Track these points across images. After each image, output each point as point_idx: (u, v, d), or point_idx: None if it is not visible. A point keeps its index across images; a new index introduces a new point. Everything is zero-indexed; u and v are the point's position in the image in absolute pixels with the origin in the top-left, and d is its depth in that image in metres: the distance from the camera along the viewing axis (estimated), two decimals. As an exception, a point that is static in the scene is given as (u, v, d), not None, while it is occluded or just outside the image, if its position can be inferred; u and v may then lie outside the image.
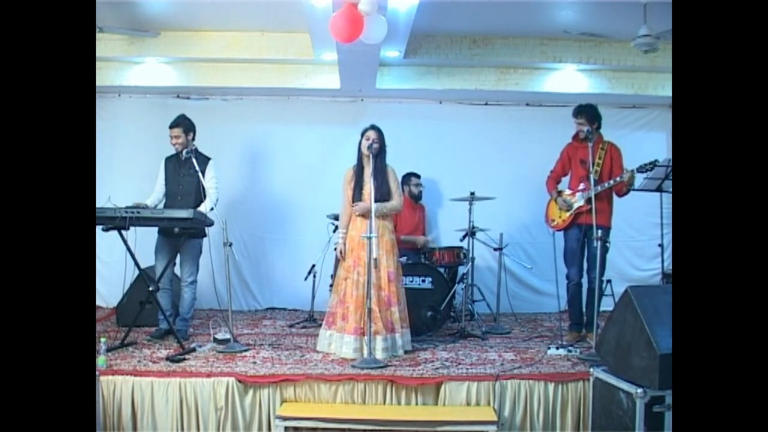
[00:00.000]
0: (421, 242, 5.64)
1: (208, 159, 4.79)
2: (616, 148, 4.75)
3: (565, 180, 4.92)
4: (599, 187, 4.52)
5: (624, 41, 4.94)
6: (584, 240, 4.67)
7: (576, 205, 4.67)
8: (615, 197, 4.69)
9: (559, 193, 4.82)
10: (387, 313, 4.30)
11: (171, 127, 4.76)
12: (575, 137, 4.80)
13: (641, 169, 4.49)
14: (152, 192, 4.84)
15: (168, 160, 4.87)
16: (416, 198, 5.87)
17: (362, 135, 4.41)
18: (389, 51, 5.20)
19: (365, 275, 4.22)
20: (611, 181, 4.54)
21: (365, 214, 4.31)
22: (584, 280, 4.72)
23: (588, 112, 4.64)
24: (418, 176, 5.88)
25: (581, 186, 4.66)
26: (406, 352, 4.37)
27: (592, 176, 4.40)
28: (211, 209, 4.61)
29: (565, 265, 4.77)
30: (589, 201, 4.40)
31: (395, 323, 4.32)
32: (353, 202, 4.40)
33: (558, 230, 4.80)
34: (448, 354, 4.41)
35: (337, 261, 4.66)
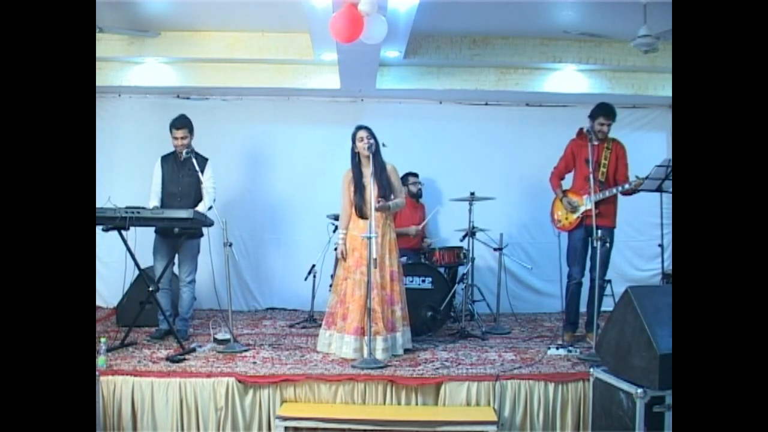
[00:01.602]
0: (413, 232, 5.61)
1: (206, 159, 4.78)
2: (621, 145, 4.74)
3: (568, 177, 4.91)
4: (607, 192, 4.52)
5: (624, 41, 4.94)
6: (587, 239, 4.67)
7: (583, 208, 4.65)
8: (620, 196, 4.69)
9: (565, 192, 4.80)
10: (389, 312, 4.30)
11: (178, 127, 4.71)
12: (579, 134, 4.78)
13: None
14: (150, 194, 4.81)
15: (164, 159, 4.85)
16: (416, 197, 5.87)
17: (353, 139, 4.39)
18: (389, 51, 5.20)
19: (368, 275, 4.22)
20: (619, 188, 4.53)
21: (366, 215, 4.31)
22: (585, 279, 4.72)
23: (614, 115, 4.64)
24: (416, 175, 5.88)
25: (589, 189, 4.63)
26: (406, 350, 4.37)
27: (592, 178, 4.37)
28: (209, 209, 4.62)
29: (567, 264, 4.77)
30: (595, 204, 4.41)
31: (396, 322, 4.33)
32: (356, 204, 4.39)
33: (563, 231, 4.79)
34: (448, 354, 4.41)
35: (338, 261, 4.66)
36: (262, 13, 4.96)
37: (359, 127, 4.40)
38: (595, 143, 4.52)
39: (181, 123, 4.73)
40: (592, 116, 4.66)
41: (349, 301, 4.32)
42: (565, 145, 4.89)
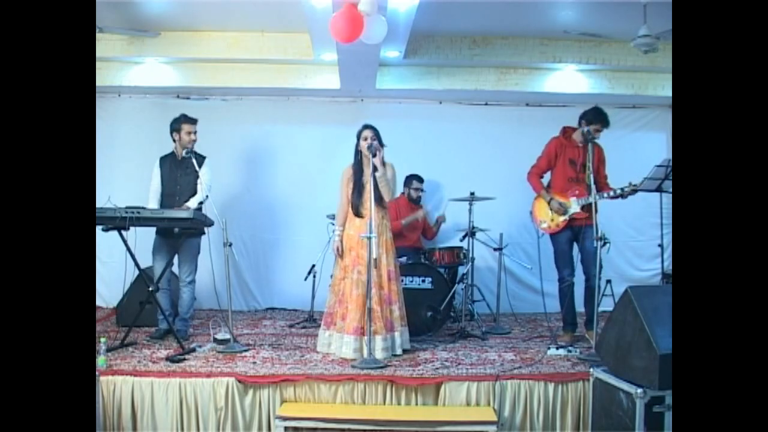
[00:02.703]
0: (421, 215, 5.65)
1: (204, 157, 4.79)
2: (601, 149, 4.78)
3: (546, 176, 4.88)
4: (597, 196, 4.51)
5: (624, 41, 4.94)
6: (573, 241, 4.66)
7: (572, 211, 4.63)
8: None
9: (548, 192, 4.76)
10: (387, 312, 4.30)
11: (192, 122, 4.75)
12: (564, 133, 4.78)
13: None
14: (150, 193, 4.80)
15: (162, 160, 4.87)
16: (414, 202, 5.86)
17: (358, 136, 4.40)
18: (389, 51, 5.20)
19: (365, 274, 4.22)
20: (610, 192, 4.53)
21: (363, 214, 4.30)
22: (576, 279, 4.71)
23: (607, 122, 4.64)
24: (420, 180, 5.85)
25: (576, 191, 4.63)
26: (404, 351, 4.37)
27: (592, 178, 4.36)
28: (200, 203, 4.62)
29: (557, 267, 4.74)
30: (584, 208, 4.40)
31: (395, 322, 4.33)
32: (353, 202, 4.40)
33: (548, 233, 4.75)
34: (448, 354, 4.41)
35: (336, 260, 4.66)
36: (261, 13, 4.96)
37: (366, 126, 4.41)
38: (580, 145, 4.50)
39: (193, 119, 4.78)
40: (589, 121, 4.64)
41: (348, 300, 4.31)
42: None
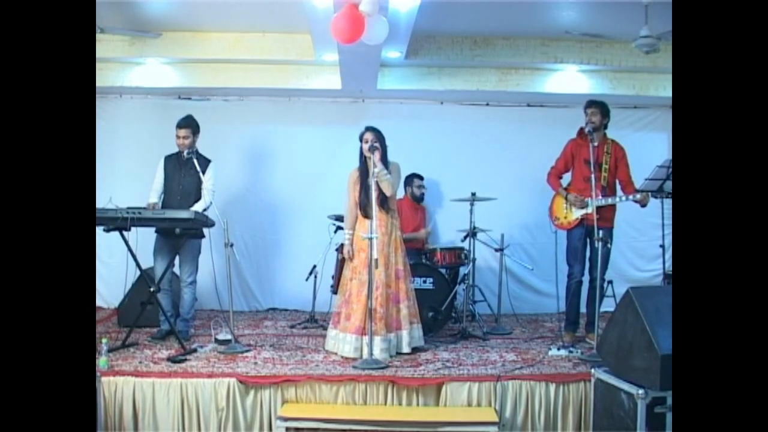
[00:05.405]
0: (423, 235, 5.67)
1: (209, 161, 4.81)
2: (620, 147, 4.74)
3: (566, 176, 4.90)
4: (610, 200, 4.53)
5: (625, 42, 4.93)
6: (587, 239, 4.66)
7: (589, 209, 4.62)
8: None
9: (567, 190, 4.77)
10: (393, 311, 4.31)
11: (180, 126, 4.78)
12: (580, 134, 4.77)
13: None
14: (150, 191, 4.82)
15: (168, 158, 4.88)
16: (418, 199, 5.86)
17: (360, 139, 4.43)
18: (390, 52, 5.20)
19: (369, 275, 4.22)
20: (624, 198, 4.55)
21: (370, 215, 4.30)
22: (584, 279, 4.70)
23: (601, 105, 4.65)
24: (421, 178, 5.87)
25: (591, 192, 4.63)
26: (415, 349, 4.38)
27: (594, 178, 4.36)
28: (204, 210, 4.63)
29: (568, 263, 4.74)
30: (598, 209, 4.40)
31: (402, 320, 4.34)
32: (360, 204, 4.40)
33: (562, 229, 4.77)
34: (449, 355, 4.41)
35: (340, 261, 4.66)
36: (263, 13, 4.96)
37: (367, 129, 4.44)
38: (595, 144, 4.51)
39: (184, 122, 4.81)
40: (584, 108, 4.70)
41: (354, 301, 4.33)
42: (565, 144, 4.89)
